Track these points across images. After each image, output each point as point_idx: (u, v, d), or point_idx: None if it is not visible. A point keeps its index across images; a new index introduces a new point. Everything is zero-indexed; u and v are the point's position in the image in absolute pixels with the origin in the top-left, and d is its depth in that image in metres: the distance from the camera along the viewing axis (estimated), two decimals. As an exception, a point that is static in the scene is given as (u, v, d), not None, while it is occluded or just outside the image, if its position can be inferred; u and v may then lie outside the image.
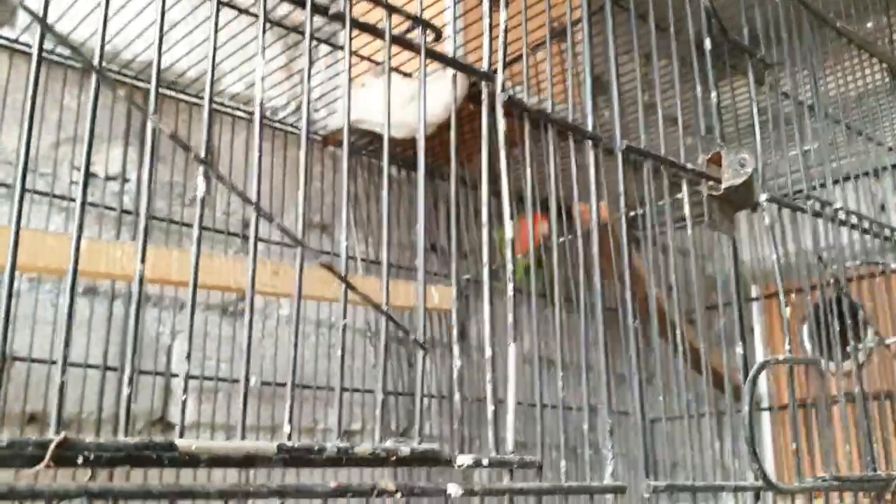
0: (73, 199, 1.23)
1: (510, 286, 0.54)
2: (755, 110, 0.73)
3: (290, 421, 0.40)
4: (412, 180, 1.59)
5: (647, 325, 0.90)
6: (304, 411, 1.36)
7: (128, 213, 1.28)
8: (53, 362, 1.16)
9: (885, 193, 1.14)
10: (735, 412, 1.37)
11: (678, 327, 0.71)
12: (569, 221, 1.35)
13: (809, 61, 0.86)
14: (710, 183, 0.69)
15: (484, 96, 0.54)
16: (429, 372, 1.58)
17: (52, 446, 0.33)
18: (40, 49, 0.37)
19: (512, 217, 0.58)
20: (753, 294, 1.84)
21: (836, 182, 0.95)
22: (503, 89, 0.56)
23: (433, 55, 0.51)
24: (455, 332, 0.51)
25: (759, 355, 1.94)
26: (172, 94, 1.35)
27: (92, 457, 0.34)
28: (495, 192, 0.57)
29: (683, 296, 0.88)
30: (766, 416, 1.85)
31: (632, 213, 1.00)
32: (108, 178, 1.29)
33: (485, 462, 0.48)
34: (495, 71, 0.55)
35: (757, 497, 0.66)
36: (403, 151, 1.55)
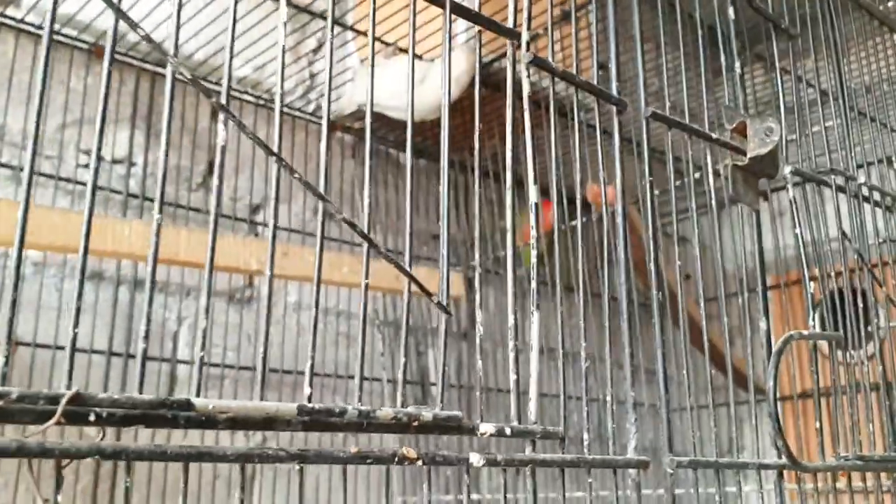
0: (79, 182, 1.21)
1: (534, 258, 0.52)
2: (779, 83, 0.71)
3: (311, 383, 0.39)
4: (421, 166, 1.57)
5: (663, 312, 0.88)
6: (312, 399, 1.34)
7: (134, 196, 1.27)
8: (59, 347, 1.14)
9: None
10: (756, 401, 1.34)
11: (698, 315, 0.69)
12: (584, 206, 1.33)
13: (832, 39, 0.84)
14: (734, 154, 0.67)
15: (509, 55, 0.53)
16: (438, 360, 1.57)
17: (64, 401, 0.32)
18: (51, 32, 0.35)
19: (537, 202, 0.56)
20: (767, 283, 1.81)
21: (859, 166, 0.93)
22: (528, 49, 0.54)
23: (459, 10, 0.49)
24: (479, 297, 0.49)
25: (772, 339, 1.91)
26: (180, 77, 1.33)
27: (105, 414, 0.33)
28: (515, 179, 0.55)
29: (699, 283, 0.86)
30: (780, 407, 1.82)
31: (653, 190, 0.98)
32: (114, 162, 1.28)
33: (507, 431, 0.46)
34: (521, 29, 0.54)
35: (780, 475, 0.64)
36: (415, 137, 1.54)
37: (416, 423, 0.41)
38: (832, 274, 0.77)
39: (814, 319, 0.70)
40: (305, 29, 1.43)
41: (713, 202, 0.67)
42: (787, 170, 0.70)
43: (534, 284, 0.51)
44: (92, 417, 0.32)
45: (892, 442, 0.77)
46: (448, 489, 1.43)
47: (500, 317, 1.62)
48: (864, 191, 0.79)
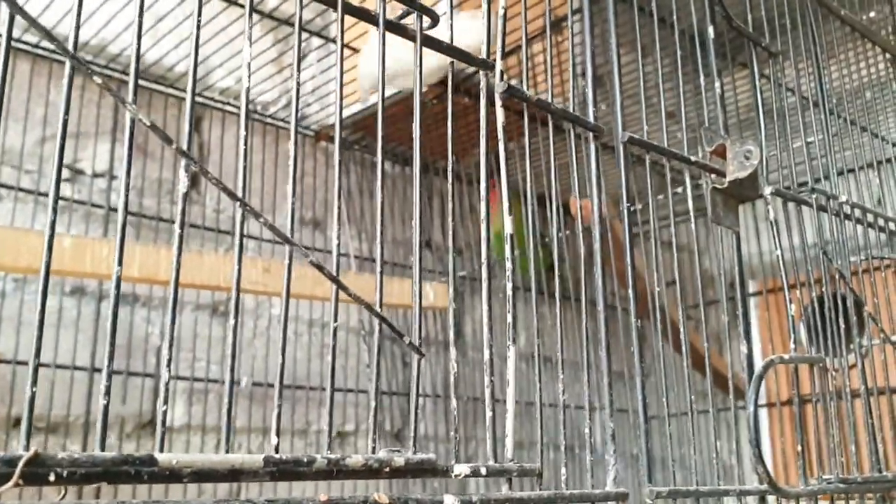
0: (61, 198, 1.20)
1: (509, 285, 0.52)
2: (759, 100, 0.70)
3: (278, 433, 0.38)
4: (406, 175, 1.56)
5: (646, 322, 0.88)
6: (296, 413, 1.34)
7: (115, 210, 1.26)
8: (42, 365, 1.13)
9: (883, 187, 1.12)
10: (738, 408, 1.34)
11: (680, 323, 0.68)
12: (566, 217, 1.33)
13: (813, 52, 0.84)
14: (713, 176, 0.67)
15: (483, 86, 0.52)
16: (423, 371, 1.56)
17: (22, 464, 0.31)
18: (9, 36, 0.34)
19: (511, 212, 0.55)
20: (751, 290, 1.82)
21: (840, 174, 0.93)
22: (502, 79, 0.53)
23: (429, 43, 0.49)
24: (452, 333, 0.48)
25: (757, 352, 1.92)
26: (161, 88, 1.32)
27: (65, 473, 0.32)
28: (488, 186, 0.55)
29: (681, 291, 0.86)
30: (763, 413, 1.83)
31: (630, 208, 0.97)
32: (95, 175, 1.26)
33: (483, 471, 0.45)
34: (494, 60, 0.53)
35: (762, 501, 0.64)
36: (398, 146, 1.53)
37: (387, 469, 0.41)
38: (811, 283, 0.77)
39: (794, 340, 0.69)
40: (288, 40, 1.42)
41: (692, 219, 0.67)
42: (767, 191, 0.69)
43: (509, 318, 0.51)
44: (52, 478, 0.32)
45: (874, 462, 0.77)
46: None
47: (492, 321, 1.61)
48: (846, 209, 0.78)
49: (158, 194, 1.30)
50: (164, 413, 0.36)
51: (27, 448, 0.32)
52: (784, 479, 1.35)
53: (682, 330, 0.63)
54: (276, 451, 0.38)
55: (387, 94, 1.29)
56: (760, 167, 0.68)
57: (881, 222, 0.84)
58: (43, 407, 1.11)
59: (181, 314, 1.28)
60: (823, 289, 0.78)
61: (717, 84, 0.72)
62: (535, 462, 0.49)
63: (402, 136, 1.54)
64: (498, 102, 0.54)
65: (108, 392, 0.35)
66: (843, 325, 0.77)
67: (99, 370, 1.18)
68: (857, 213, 0.80)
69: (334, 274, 0.42)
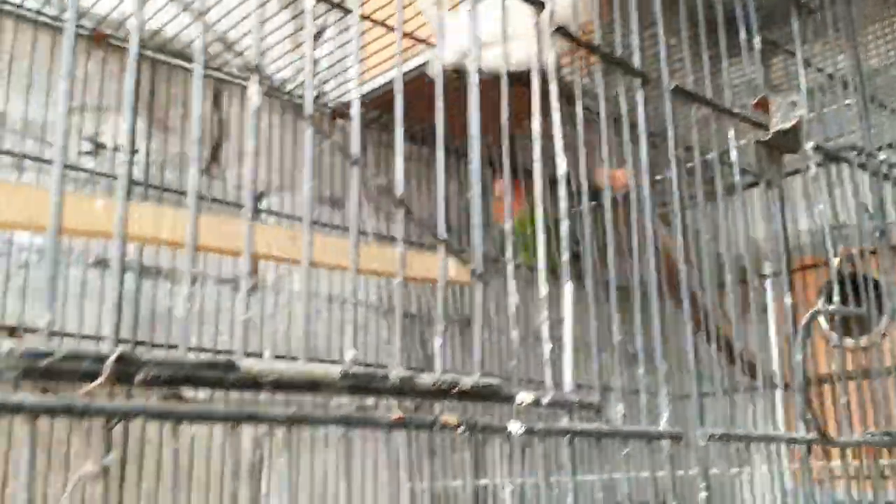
0: (82, 169, 1.20)
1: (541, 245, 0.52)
2: (800, 56, 0.70)
3: (355, 344, 0.38)
4: (424, 156, 1.56)
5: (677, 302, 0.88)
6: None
7: (137, 183, 1.25)
8: (66, 334, 1.13)
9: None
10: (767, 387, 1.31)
11: (710, 305, 0.68)
12: (589, 190, 1.32)
13: (847, 17, 0.84)
14: (756, 130, 0.67)
15: (538, 24, 0.52)
16: (444, 351, 1.55)
17: (111, 360, 0.31)
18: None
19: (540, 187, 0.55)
20: (766, 271, 1.82)
21: (879, 148, 0.93)
22: (551, 18, 0.53)
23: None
24: (510, 254, 0.48)
25: (773, 335, 1.92)
26: (183, 63, 1.32)
27: (151, 374, 0.32)
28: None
29: (714, 270, 0.86)
30: (778, 396, 1.83)
31: (657, 177, 0.97)
32: (116, 149, 1.26)
33: (545, 401, 0.45)
34: None
35: (809, 450, 0.64)
36: (420, 122, 1.53)
37: (455, 390, 0.41)
38: (839, 257, 0.77)
39: (831, 296, 0.69)
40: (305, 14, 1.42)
41: (738, 179, 0.66)
42: (808, 146, 0.69)
43: (565, 256, 0.51)
44: (140, 377, 0.32)
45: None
46: (455, 475, 1.42)
47: (504, 304, 1.61)
48: (885, 168, 0.78)
49: (180, 167, 1.30)
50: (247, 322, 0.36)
51: (115, 347, 0.32)
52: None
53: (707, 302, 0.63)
54: (353, 364, 0.38)
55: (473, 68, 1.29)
56: (804, 120, 0.68)
57: (916, 184, 0.84)
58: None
59: (203, 287, 1.28)
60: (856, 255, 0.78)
61: (758, 39, 0.71)
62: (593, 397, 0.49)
63: (423, 114, 1.53)
64: (548, 44, 0.54)
65: (193, 281, 0.35)
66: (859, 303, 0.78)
67: (123, 341, 1.17)
68: None
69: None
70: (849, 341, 0.87)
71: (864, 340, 1.55)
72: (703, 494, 0.53)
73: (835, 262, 0.69)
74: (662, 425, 0.54)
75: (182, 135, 1.31)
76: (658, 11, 0.65)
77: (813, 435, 0.61)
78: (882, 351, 0.87)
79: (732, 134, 0.65)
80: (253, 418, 0.34)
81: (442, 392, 0.41)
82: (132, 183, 1.26)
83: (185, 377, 0.33)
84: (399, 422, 0.38)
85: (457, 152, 1.58)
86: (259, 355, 1.30)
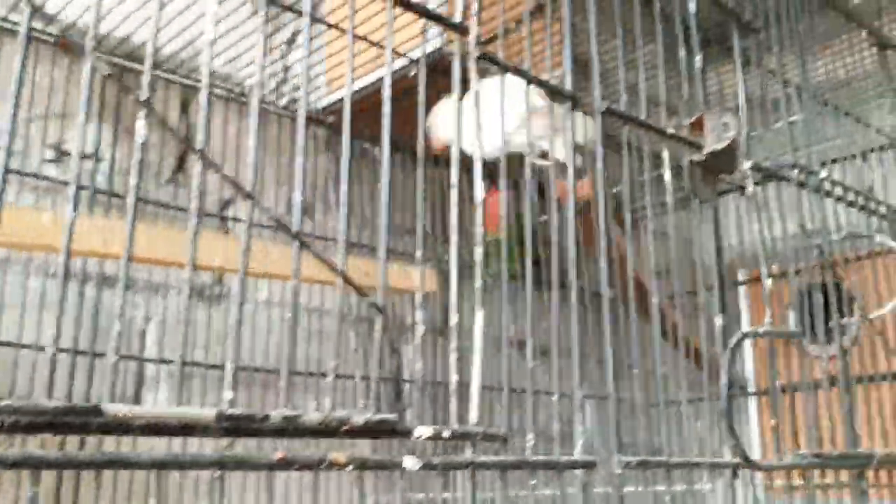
0: (45, 178, 1.20)
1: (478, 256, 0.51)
2: (740, 75, 0.70)
3: (235, 386, 0.38)
4: (397, 162, 1.55)
5: (630, 308, 0.88)
6: (282, 398, 1.33)
7: (101, 192, 1.25)
8: (23, 346, 1.13)
9: (875, 175, 1.12)
10: (713, 396, 1.32)
11: (666, 309, 0.68)
12: (541, 199, 1.32)
13: (796, 33, 0.84)
14: (692, 150, 0.67)
15: (455, 50, 0.52)
16: (413, 358, 1.55)
17: (-38, 409, 0.31)
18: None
19: (486, 190, 0.55)
20: (741, 278, 1.82)
21: (823, 164, 0.93)
22: (477, 43, 0.53)
23: (402, 2, 0.48)
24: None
25: (748, 343, 1.92)
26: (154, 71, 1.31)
27: (8, 421, 0.32)
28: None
29: (667, 278, 0.86)
30: (752, 402, 1.83)
31: (615, 189, 0.96)
32: (81, 157, 1.26)
33: (446, 434, 0.45)
34: (469, 23, 0.53)
35: (735, 474, 0.64)
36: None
37: (345, 428, 0.40)
38: (795, 270, 0.77)
39: (771, 318, 0.69)
40: (278, 21, 1.41)
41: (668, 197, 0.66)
42: (746, 165, 0.69)
43: (478, 283, 0.50)
44: (-6, 425, 0.31)
45: (850, 440, 0.76)
46: (422, 487, 1.42)
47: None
48: (826, 185, 0.78)
49: (145, 176, 1.29)
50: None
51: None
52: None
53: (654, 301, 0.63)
54: (231, 405, 0.38)
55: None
56: (739, 141, 0.68)
57: (861, 200, 0.83)
58: (24, 388, 1.11)
59: (167, 298, 1.28)
60: (808, 276, 0.78)
61: (698, 58, 0.71)
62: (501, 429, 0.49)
63: (394, 122, 1.53)
64: (472, 67, 0.54)
65: (57, 338, 0.35)
66: (827, 312, 0.77)
67: (82, 353, 1.17)
68: (839, 190, 0.80)
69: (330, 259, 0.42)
70: (815, 349, 0.87)
71: (831, 349, 1.54)
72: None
73: (768, 283, 0.69)
74: (577, 453, 0.53)
75: (149, 143, 1.31)
76: (593, 32, 0.65)
77: (737, 459, 0.61)
78: (849, 361, 0.86)
79: (666, 155, 0.65)
80: (115, 464, 0.33)
81: (331, 431, 0.40)
82: (97, 192, 1.25)
83: (46, 424, 0.32)
84: (282, 462, 0.38)
85: (435, 161, 1.58)
86: (221, 367, 1.30)
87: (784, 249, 0.80)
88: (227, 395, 0.38)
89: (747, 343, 1.83)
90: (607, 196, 0.69)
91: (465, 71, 0.55)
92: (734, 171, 0.68)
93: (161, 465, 0.34)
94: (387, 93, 0.48)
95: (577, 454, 0.53)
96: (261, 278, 1.34)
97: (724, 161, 0.66)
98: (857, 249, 0.92)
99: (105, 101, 1.28)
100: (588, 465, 0.52)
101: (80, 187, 1.23)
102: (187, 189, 1.34)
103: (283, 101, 1.46)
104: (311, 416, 0.39)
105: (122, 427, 0.34)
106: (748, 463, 0.62)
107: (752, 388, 1.75)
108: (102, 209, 1.25)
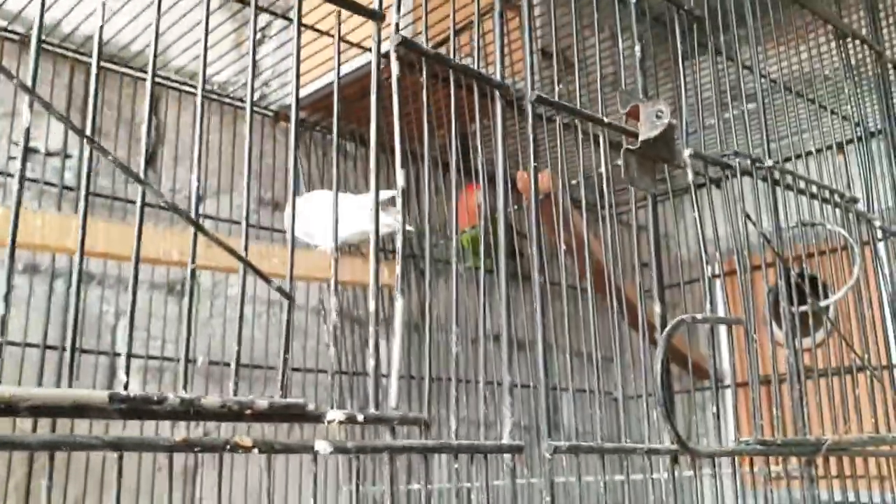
0: (10, 175, 1.20)
1: (400, 242, 0.51)
2: (681, 63, 0.70)
3: (127, 371, 0.38)
4: (366, 156, 1.56)
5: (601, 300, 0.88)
6: (254, 392, 1.34)
7: (69, 189, 1.25)
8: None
9: (849, 168, 1.12)
10: (697, 389, 1.34)
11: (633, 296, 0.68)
12: (513, 192, 1.31)
13: (749, 23, 0.84)
14: (629, 138, 0.67)
15: (374, 36, 0.52)
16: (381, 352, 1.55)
17: None
18: None
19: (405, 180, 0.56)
20: (717, 271, 1.82)
21: (798, 157, 0.94)
22: (397, 31, 0.53)
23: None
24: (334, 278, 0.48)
25: (723, 332, 1.93)
26: (116, 67, 1.32)
27: None
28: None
29: (629, 268, 0.86)
30: (728, 394, 1.83)
31: (574, 182, 0.96)
32: (48, 154, 1.26)
33: (360, 418, 0.45)
34: (387, 10, 0.53)
35: (674, 461, 0.64)
36: (357, 127, 1.53)
37: (249, 412, 0.41)
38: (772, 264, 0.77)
39: (711, 301, 0.69)
40: (246, 16, 1.41)
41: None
42: (686, 153, 0.69)
43: (398, 269, 0.51)
44: None
45: (801, 427, 0.77)
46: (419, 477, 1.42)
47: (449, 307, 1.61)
48: (776, 174, 0.78)
49: (113, 174, 1.30)
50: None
51: None
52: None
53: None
54: (126, 387, 0.38)
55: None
56: (678, 131, 0.68)
57: (813, 189, 0.84)
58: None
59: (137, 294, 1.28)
60: (777, 270, 0.78)
61: (637, 48, 0.71)
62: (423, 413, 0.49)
63: (361, 116, 1.53)
64: (393, 56, 0.54)
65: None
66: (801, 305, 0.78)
67: (51, 347, 1.17)
68: (789, 179, 0.80)
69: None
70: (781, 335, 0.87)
71: (806, 342, 1.54)
72: (547, 506, 0.53)
73: (707, 269, 0.69)
74: (505, 438, 0.54)
75: (116, 139, 1.31)
76: (526, 20, 0.65)
77: (674, 446, 0.61)
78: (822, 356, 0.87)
79: (603, 143, 0.65)
80: (8, 445, 0.34)
81: (234, 415, 0.40)
82: (64, 188, 1.25)
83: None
84: (182, 444, 0.38)
85: (412, 154, 1.58)
86: (193, 361, 1.30)
87: (760, 242, 0.81)
88: (122, 377, 0.38)
89: (723, 336, 1.83)
90: (565, 188, 0.69)
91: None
92: (673, 161, 0.68)
93: (52, 447, 0.35)
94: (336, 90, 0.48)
95: (506, 439, 0.53)
96: (233, 273, 1.34)
97: (660, 149, 0.66)
98: (831, 242, 0.92)
99: (72, 98, 1.28)
100: (515, 450, 0.53)
101: (47, 184, 1.24)
102: (157, 185, 1.35)
103: (254, 97, 1.46)
104: (211, 399, 0.39)
105: (10, 409, 0.34)
106: (686, 449, 0.62)
107: (728, 381, 1.75)
108: (71, 206, 1.25)
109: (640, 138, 0.65)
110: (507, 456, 0.53)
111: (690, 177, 0.69)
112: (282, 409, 0.42)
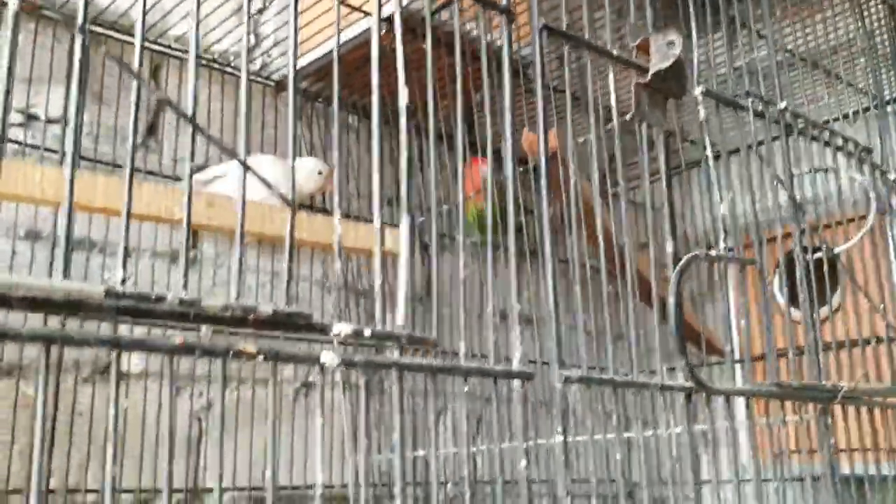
0: (14, 141, 1.19)
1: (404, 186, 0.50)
2: (694, 36, 0.68)
3: (125, 265, 0.36)
4: (369, 127, 1.54)
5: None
6: (259, 363, 1.32)
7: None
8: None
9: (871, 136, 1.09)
10: (710, 364, 1.32)
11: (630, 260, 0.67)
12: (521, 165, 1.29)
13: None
14: (639, 74, 0.65)
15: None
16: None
17: None
18: None
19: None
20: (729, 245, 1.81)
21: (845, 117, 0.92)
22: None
23: None
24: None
25: (733, 305, 1.90)
26: (118, 35, 1.30)
27: None
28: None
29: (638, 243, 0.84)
30: (738, 369, 1.82)
31: (582, 140, 0.95)
32: (49, 121, 1.25)
33: (367, 333, 0.44)
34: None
35: (688, 398, 0.63)
36: (360, 98, 1.51)
37: (252, 317, 0.39)
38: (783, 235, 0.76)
39: (720, 241, 0.68)
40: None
41: (617, 130, 0.65)
42: (697, 90, 0.68)
43: (403, 187, 0.49)
44: None
45: (816, 373, 0.75)
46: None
47: (454, 281, 1.59)
48: (788, 116, 0.77)
49: (114, 141, 1.28)
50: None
51: None
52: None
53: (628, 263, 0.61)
54: (123, 283, 0.36)
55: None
56: (689, 65, 0.66)
57: (826, 136, 0.82)
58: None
59: (139, 260, 1.27)
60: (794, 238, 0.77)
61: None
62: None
63: (362, 85, 1.52)
64: (397, 18, 0.52)
65: None
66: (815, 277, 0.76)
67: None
68: (801, 123, 0.79)
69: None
70: (798, 314, 0.85)
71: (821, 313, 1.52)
72: (559, 437, 0.52)
73: (723, 207, 0.68)
74: (515, 365, 0.52)
75: (117, 107, 1.30)
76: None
77: (690, 383, 0.60)
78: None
79: (612, 76, 0.64)
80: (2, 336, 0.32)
81: (236, 320, 0.39)
82: (65, 155, 1.24)
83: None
84: (181, 347, 0.37)
85: (416, 128, 1.57)
86: (197, 329, 1.29)
87: (776, 217, 0.80)
88: (119, 274, 0.37)
89: (732, 313, 1.81)
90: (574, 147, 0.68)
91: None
92: (683, 96, 0.66)
93: (48, 340, 0.33)
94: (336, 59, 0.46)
95: (516, 365, 0.52)
96: (218, 231, 1.33)
97: (672, 84, 0.65)
98: (844, 213, 0.91)
99: (73, 65, 1.26)
100: (525, 377, 0.51)
101: (48, 150, 1.22)
102: (158, 154, 1.33)
103: (255, 67, 1.45)
104: (213, 301, 0.38)
105: (3, 300, 0.33)
106: (701, 386, 0.60)
107: (737, 355, 1.73)
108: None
109: (651, 70, 0.63)
110: (516, 382, 0.51)
111: (702, 114, 0.68)
112: (286, 317, 0.41)
